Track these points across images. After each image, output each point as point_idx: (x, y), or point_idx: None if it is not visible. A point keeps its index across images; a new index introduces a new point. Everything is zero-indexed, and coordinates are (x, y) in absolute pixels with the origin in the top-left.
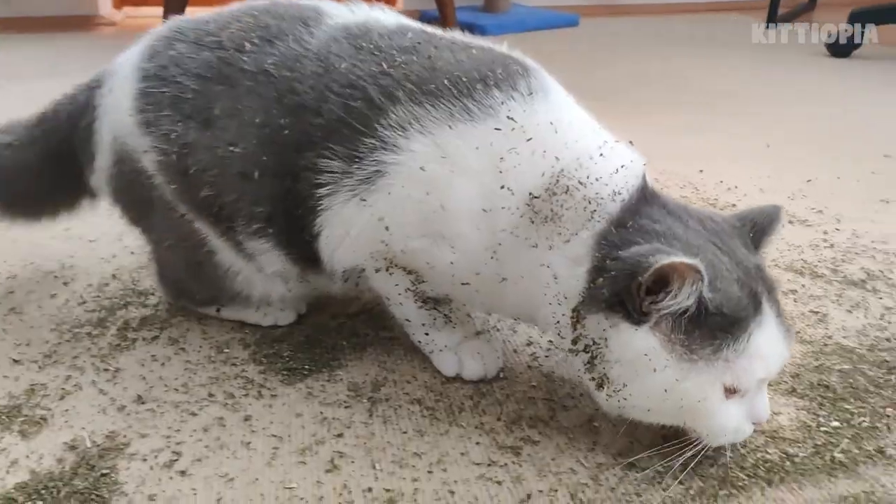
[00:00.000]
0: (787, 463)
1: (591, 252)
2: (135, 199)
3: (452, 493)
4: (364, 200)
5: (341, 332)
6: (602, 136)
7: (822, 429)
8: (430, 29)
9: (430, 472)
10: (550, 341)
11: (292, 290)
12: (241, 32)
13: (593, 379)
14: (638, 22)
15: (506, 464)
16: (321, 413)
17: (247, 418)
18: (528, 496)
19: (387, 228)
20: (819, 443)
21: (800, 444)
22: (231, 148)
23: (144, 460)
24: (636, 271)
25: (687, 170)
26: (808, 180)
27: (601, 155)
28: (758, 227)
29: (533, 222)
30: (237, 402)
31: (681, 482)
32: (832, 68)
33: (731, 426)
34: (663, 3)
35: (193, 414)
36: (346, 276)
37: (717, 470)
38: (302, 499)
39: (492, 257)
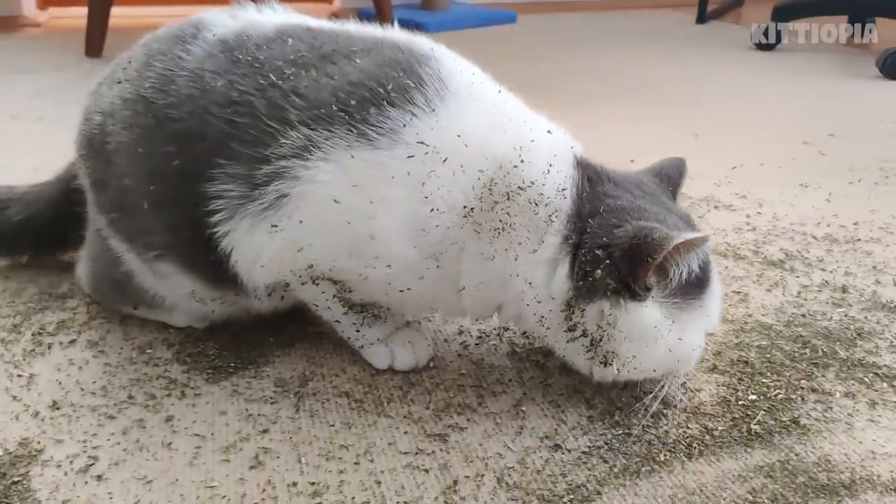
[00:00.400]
0: (707, 437)
1: (563, 250)
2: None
3: (379, 483)
4: (274, 226)
5: (269, 329)
6: (517, 136)
7: (741, 402)
8: (314, 26)
9: (356, 463)
10: (481, 330)
11: (214, 311)
12: (129, 62)
13: (595, 358)
14: (575, 18)
15: (433, 451)
16: (246, 410)
17: (168, 419)
18: (455, 482)
19: (307, 250)
20: (737, 416)
21: (719, 419)
22: (124, 180)
23: (59, 466)
24: (644, 252)
25: (619, 159)
26: (734, 167)
27: (521, 160)
28: (671, 181)
29: (479, 233)
30: (159, 403)
31: (605, 461)
32: (758, 61)
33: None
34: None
35: (112, 417)
36: (269, 291)
37: (640, 447)
38: (224, 497)
39: (437, 266)
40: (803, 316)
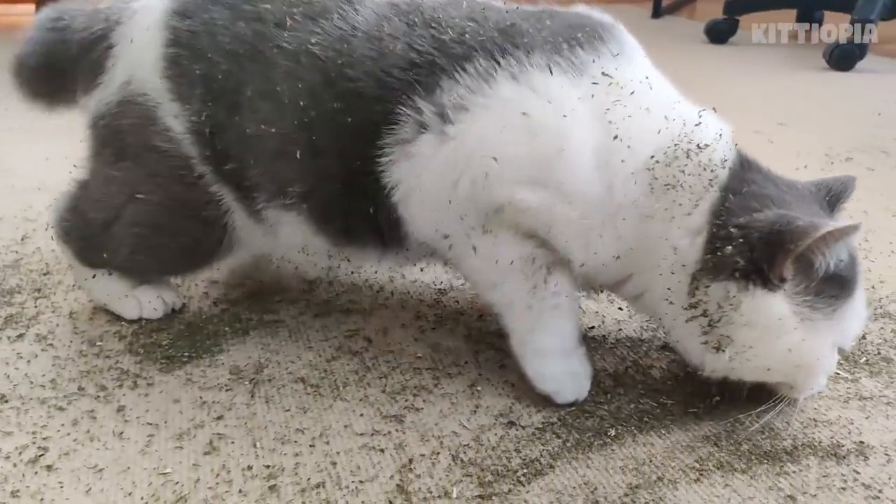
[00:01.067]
0: (658, 410)
1: (708, 220)
2: (128, 142)
3: (335, 464)
4: (445, 134)
5: (223, 319)
6: (689, 103)
7: (691, 378)
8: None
9: (312, 445)
10: (437, 314)
11: (303, 264)
12: (283, 6)
13: (709, 342)
14: None
15: (389, 432)
16: (200, 398)
17: (120, 409)
18: (410, 461)
19: (487, 171)
20: (688, 391)
21: (671, 394)
22: (263, 126)
23: (7, 458)
24: (786, 239)
25: None
26: None
27: (701, 119)
28: (832, 194)
29: (653, 190)
30: (110, 394)
31: (558, 436)
32: (711, 54)
33: (824, 381)
34: None
35: (61, 409)
36: (425, 246)
37: (593, 422)
38: (177, 483)
39: (612, 221)
40: None
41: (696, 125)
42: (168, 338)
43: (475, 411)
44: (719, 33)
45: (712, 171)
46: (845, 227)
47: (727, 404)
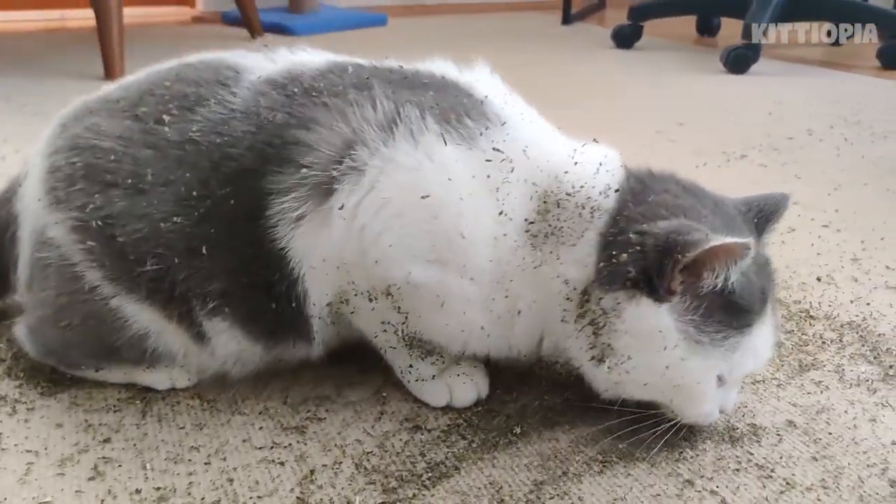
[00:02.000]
0: (563, 406)
1: (597, 246)
2: (50, 286)
3: (231, 480)
4: (343, 215)
5: None
6: (568, 145)
7: None
8: (364, 62)
9: (207, 463)
10: None
11: (243, 369)
12: (158, 105)
13: (594, 352)
14: (444, 21)
15: (290, 444)
16: (86, 421)
17: None
18: (312, 472)
19: (381, 248)
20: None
21: (575, 388)
22: (175, 219)
23: None
24: (676, 249)
25: None
26: None
27: (575, 163)
28: (763, 214)
29: (534, 246)
30: None
31: (464, 437)
32: (617, 59)
33: (708, 411)
34: (469, 3)
35: None
36: (332, 318)
37: (499, 421)
38: None
39: (505, 293)
40: None
41: (566, 173)
42: None
43: (380, 418)
44: (624, 38)
45: (591, 206)
46: (735, 243)
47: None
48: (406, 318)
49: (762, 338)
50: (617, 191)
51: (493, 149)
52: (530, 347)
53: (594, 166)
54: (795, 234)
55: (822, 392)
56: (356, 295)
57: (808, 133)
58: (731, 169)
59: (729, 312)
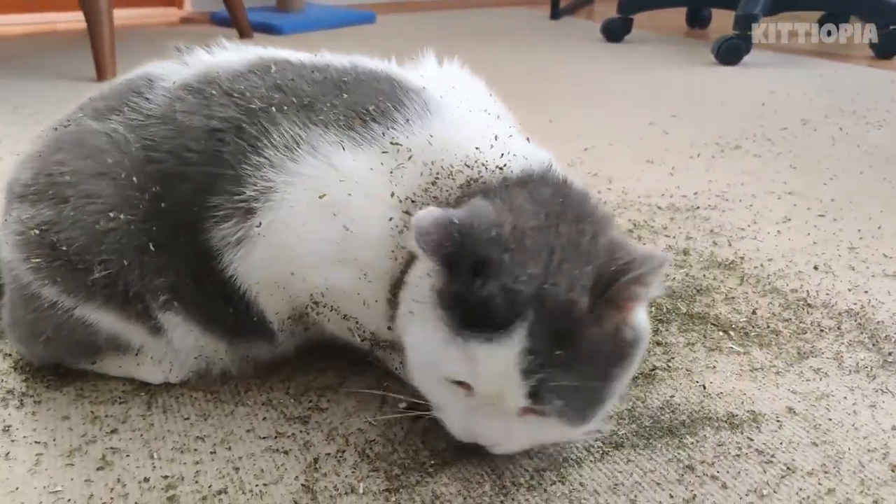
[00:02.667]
0: None
1: None
2: (17, 307)
3: (237, 469)
4: (260, 232)
5: None
6: (489, 136)
7: None
8: (293, 58)
9: (213, 452)
10: None
11: (214, 365)
12: (74, 118)
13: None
14: (433, 17)
15: (293, 434)
16: (92, 413)
17: (6, 429)
18: (316, 460)
19: (297, 259)
20: None
21: None
22: (112, 214)
23: None
24: None
25: None
26: (585, 149)
27: (478, 149)
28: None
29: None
30: None
31: None
32: (607, 52)
33: (452, 420)
34: None
35: None
36: (291, 326)
37: None
38: (69, 500)
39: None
40: None
41: (471, 154)
42: None
43: (381, 407)
44: (614, 32)
45: (478, 179)
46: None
47: None
48: (352, 319)
49: (492, 357)
50: (510, 178)
51: (391, 142)
52: None
53: (499, 153)
54: (791, 223)
55: (821, 379)
56: (307, 308)
57: (803, 123)
58: (725, 160)
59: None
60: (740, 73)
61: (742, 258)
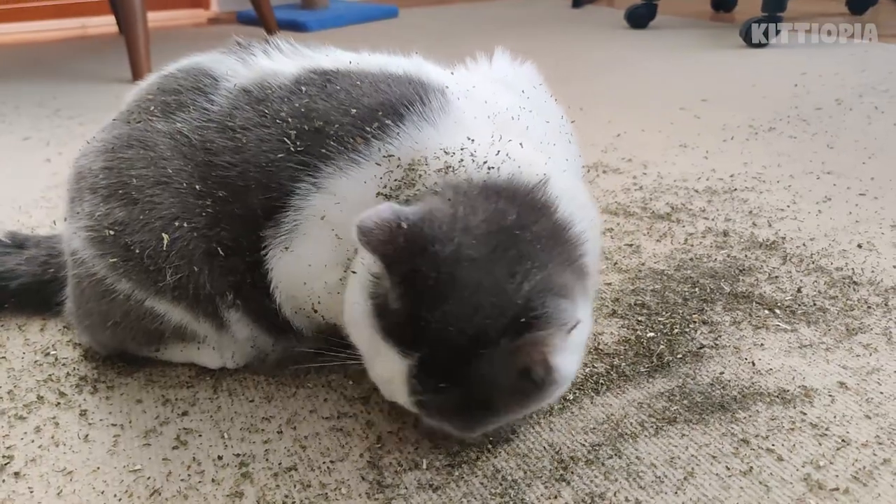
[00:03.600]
0: (612, 373)
1: None
2: (88, 299)
3: (304, 447)
4: (286, 248)
5: None
6: (487, 136)
7: (641, 340)
8: (329, 67)
9: (280, 432)
10: None
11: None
12: (144, 112)
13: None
14: (455, 10)
15: (355, 413)
16: (163, 396)
17: (83, 413)
18: (379, 438)
19: (308, 266)
20: (638, 352)
21: (622, 356)
22: (177, 223)
23: None
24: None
25: None
26: (618, 135)
27: (464, 146)
28: None
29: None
30: (71, 400)
31: None
32: (633, 39)
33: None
34: None
35: (22, 418)
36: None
37: None
38: (149, 478)
39: None
40: (691, 260)
41: (455, 151)
42: None
43: None
44: (639, 18)
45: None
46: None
47: None
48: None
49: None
50: (491, 180)
51: (385, 156)
52: None
53: (485, 153)
54: (832, 202)
55: (870, 354)
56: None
57: (837, 103)
58: (759, 142)
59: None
60: (770, 55)
61: (783, 238)
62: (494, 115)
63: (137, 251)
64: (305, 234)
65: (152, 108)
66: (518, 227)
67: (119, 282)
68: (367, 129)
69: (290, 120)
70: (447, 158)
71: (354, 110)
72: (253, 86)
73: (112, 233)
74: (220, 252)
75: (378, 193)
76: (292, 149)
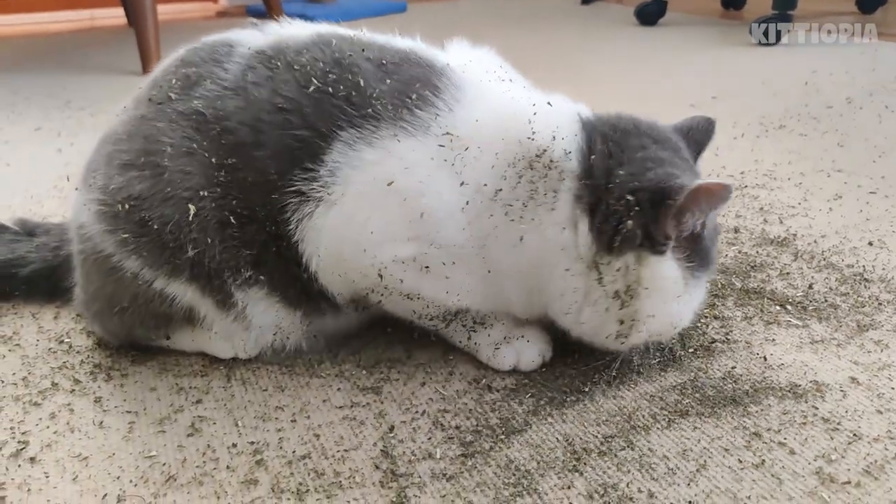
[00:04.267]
0: (624, 366)
1: (577, 208)
2: (94, 280)
3: (318, 436)
4: (333, 205)
5: None
6: (525, 109)
7: None
8: (350, 33)
9: (293, 421)
10: None
11: (288, 340)
12: (166, 89)
13: (620, 321)
14: (464, 6)
15: (368, 403)
16: (177, 384)
17: (97, 400)
18: (392, 428)
19: (366, 237)
20: (650, 346)
21: (634, 350)
22: (202, 193)
23: None
24: (668, 195)
25: None
26: None
27: (533, 132)
28: (698, 142)
29: (510, 215)
30: (85, 387)
31: (532, 395)
32: (642, 35)
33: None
34: None
35: (37, 404)
36: (355, 305)
37: (563, 382)
38: (164, 464)
39: (481, 257)
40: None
41: (529, 139)
42: None
43: (449, 378)
44: (648, 15)
45: (557, 166)
46: (718, 184)
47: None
48: (408, 297)
49: (703, 290)
50: (578, 152)
51: (445, 133)
52: (527, 308)
53: (552, 130)
54: (843, 200)
55: (882, 350)
56: (367, 294)
57: (848, 101)
58: (770, 139)
59: (702, 256)
60: (780, 53)
61: (794, 235)
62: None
63: (156, 226)
64: (362, 196)
65: (174, 81)
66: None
67: (127, 259)
68: (409, 98)
69: (319, 64)
70: (542, 162)
71: (389, 80)
72: (268, 47)
73: (126, 207)
74: (233, 220)
75: (484, 184)
76: (329, 90)
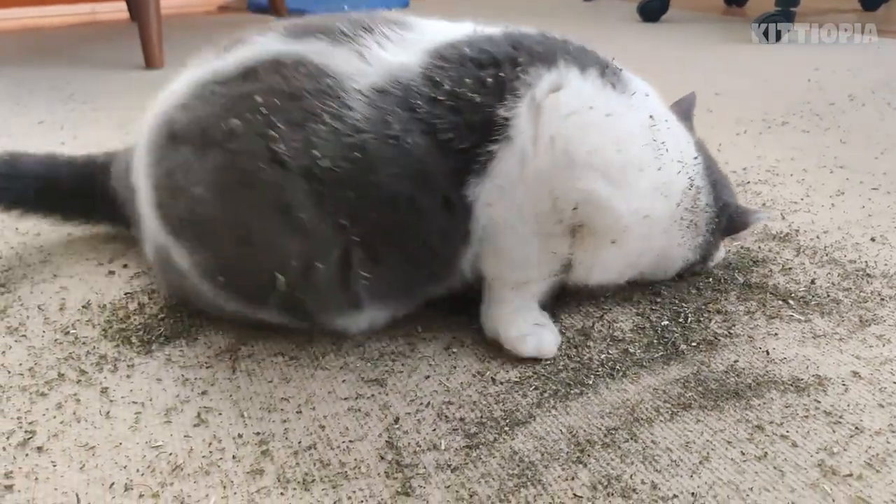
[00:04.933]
0: (628, 359)
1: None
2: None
3: (323, 427)
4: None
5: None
6: (682, 135)
7: (656, 327)
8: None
9: (298, 412)
10: None
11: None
12: (257, 126)
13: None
14: (467, 2)
15: (373, 395)
16: (183, 376)
17: (104, 391)
18: (397, 419)
19: (587, 152)
20: (653, 339)
21: (637, 343)
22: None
23: None
24: (741, 224)
25: None
26: None
27: (696, 154)
28: (688, 116)
29: (680, 229)
30: (91, 378)
31: (536, 388)
32: (644, 32)
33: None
34: None
35: (43, 394)
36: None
37: (567, 374)
38: (171, 454)
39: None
40: None
41: (693, 160)
42: (141, 323)
43: (453, 371)
44: (651, 12)
45: (706, 202)
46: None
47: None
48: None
49: None
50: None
51: (649, 116)
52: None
53: (692, 151)
54: (845, 196)
55: (884, 345)
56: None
57: (850, 98)
58: (772, 135)
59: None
60: (782, 50)
61: (797, 231)
62: None
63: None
64: (571, 108)
65: (274, 121)
66: None
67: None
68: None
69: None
70: (704, 194)
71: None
72: (388, 83)
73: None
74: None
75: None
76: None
